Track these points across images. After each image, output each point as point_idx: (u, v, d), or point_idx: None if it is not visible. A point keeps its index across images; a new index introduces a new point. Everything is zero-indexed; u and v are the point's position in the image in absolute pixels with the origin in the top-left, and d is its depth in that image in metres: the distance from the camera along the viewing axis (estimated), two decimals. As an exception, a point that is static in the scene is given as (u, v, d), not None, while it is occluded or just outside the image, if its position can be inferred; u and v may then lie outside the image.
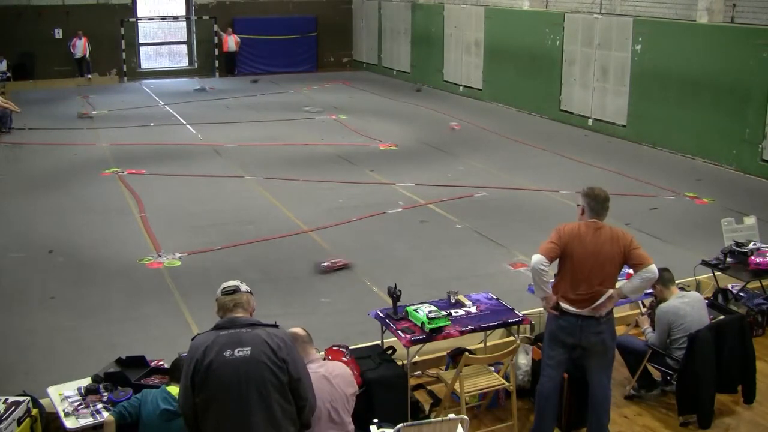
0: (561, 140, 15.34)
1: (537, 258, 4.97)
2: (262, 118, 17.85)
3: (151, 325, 7.32)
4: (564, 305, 5.07)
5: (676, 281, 7.26)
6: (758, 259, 7.04)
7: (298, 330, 4.53)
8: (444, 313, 5.66)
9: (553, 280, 5.19)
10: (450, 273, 8.43)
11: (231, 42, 24.83)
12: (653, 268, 4.96)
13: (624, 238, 5.02)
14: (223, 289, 3.92)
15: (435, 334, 5.55)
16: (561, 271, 5.12)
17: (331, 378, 4.47)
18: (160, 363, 5.46)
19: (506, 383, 5.52)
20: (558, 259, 5.07)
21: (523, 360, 5.99)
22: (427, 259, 9.00)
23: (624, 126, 15.53)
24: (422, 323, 5.55)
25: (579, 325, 5.04)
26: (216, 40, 25.17)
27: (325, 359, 5.54)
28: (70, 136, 15.70)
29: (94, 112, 18.52)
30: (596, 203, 5.08)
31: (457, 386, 5.31)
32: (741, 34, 13.08)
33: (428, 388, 6.12)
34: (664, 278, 5.91)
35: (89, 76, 23.39)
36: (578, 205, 5.18)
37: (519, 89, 18.75)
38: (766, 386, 6.10)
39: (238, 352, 3.66)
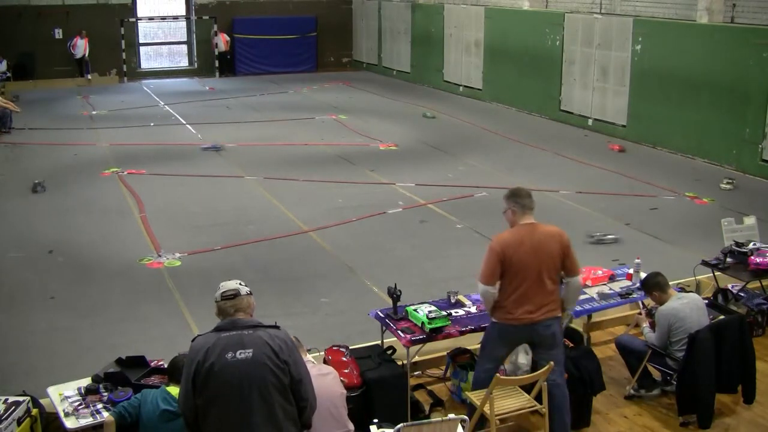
0: (561, 140, 15.34)
1: (484, 288, 5.06)
2: (262, 118, 17.86)
3: (151, 325, 7.32)
4: (511, 323, 5.08)
5: (677, 281, 7.31)
6: (758, 259, 7.03)
7: None
8: (444, 313, 5.67)
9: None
10: (450, 273, 8.42)
11: (220, 42, 24.77)
12: (578, 280, 5.20)
13: (562, 236, 5.09)
14: (223, 293, 3.89)
15: (435, 334, 5.56)
16: (505, 286, 5.06)
17: (324, 377, 4.51)
18: (160, 363, 5.45)
19: (538, 405, 5.22)
20: (501, 274, 5.06)
21: (523, 360, 5.97)
22: (427, 259, 9.00)
23: (624, 126, 15.53)
24: (422, 323, 5.55)
25: (529, 325, 5.08)
26: (215, 42, 25.13)
27: (325, 360, 5.58)
28: (70, 136, 15.70)
29: (94, 112, 18.54)
30: (522, 199, 5.11)
31: (486, 408, 5.06)
32: (741, 34, 13.07)
33: (428, 388, 6.12)
34: (660, 283, 5.91)
35: (89, 76, 23.39)
36: (505, 212, 5.18)
37: (519, 89, 18.75)
38: (766, 386, 6.10)
39: (239, 354, 3.66)
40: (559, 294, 5.19)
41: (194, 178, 12.51)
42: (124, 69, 24.40)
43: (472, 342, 6.22)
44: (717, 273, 7.30)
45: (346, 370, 5.35)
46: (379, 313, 5.90)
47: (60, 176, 12.59)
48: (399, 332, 5.56)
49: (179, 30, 26.05)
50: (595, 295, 6.40)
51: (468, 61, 20.76)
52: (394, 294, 5.74)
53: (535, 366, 5.35)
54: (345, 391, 4.80)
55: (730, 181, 12.03)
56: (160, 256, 9.03)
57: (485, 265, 5.07)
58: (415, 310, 5.67)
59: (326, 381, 4.52)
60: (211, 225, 10.23)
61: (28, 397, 5.05)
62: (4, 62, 22.15)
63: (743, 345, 5.78)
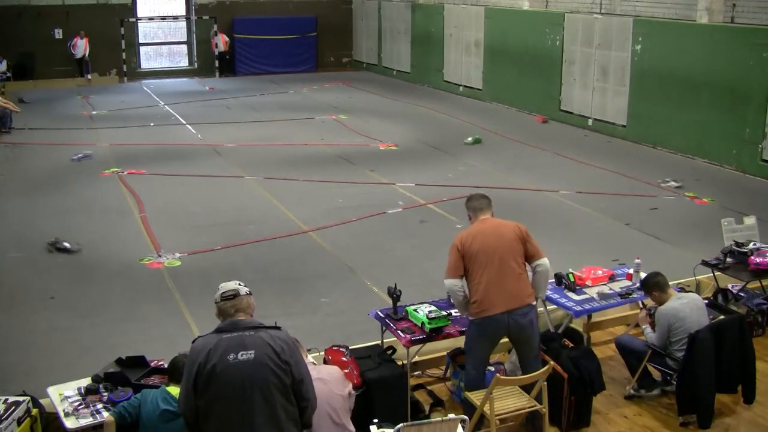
0: (561, 140, 15.34)
1: (449, 282, 5.22)
2: (262, 118, 17.86)
3: (151, 325, 7.32)
4: (488, 314, 5.14)
5: (677, 281, 7.31)
6: (758, 259, 7.03)
7: None
8: (444, 313, 5.67)
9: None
10: (450, 273, 8.42)
11: (220, 42, 24.77)
12: (546, 261, 5.29)
13: (519, 226, 5.34)
14: (223, 294, 3.90)
15: (435, 334, 5.56)
16: (473, 278, 5.19)
17: (325, 380, 4.50)
18: (160, 363, 5.45)
19: (538, 405, 5.23)
20: (467, 271, 5.21)
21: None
22: (427, 259, 8.99)
23: (624, 126, 15.53)
24: (422, 323, 5.55)
25: (506, 314, 5.15)
26: (214, 42, 25.11)
27: (325, 360, 5.57)
28: (70, 136, 15.70)
29: (94, 112, 18.54)
30: (473, 202, 5.47)
31: (486, 408, 5.06)
32: (741, 34, 13.07)
33: (428, 388, 6.12)
34: (660, 283, 5.91)
35: (89, 76, 23.39)
36: (468, 218, 5.52)
37: (519, 89, 18.74)
38: (766, 386, 6.10)
39: (241, 355, 3.66)
40: (530, 282, 5.30)
41: (194, 178, 12.51)
42: (124, 69, 24.41)
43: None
44: (717, 273, 7.30)
45: (346, 370, 5.34)
46: (379, 313, 5.90)
47: (60, 176, 12.60)
48: (399, 332, 5.56)
49: (179, 30, 26.05)
50: (595, 295, 6.40)
51: (468, 61, 20.76)
52: (394, 294, 5.75)
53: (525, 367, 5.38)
54: (351, 391, 4.76)
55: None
56: (160, 256, 9.03)
57: (448, 261, 5.28)
58: (415, 310, 5.68)
59: (326, 386, 4.50)
60: (211, 225, 10.23)
61: (28, 397, 5.04)
62: (4, 62, 22.15)
63: (743, 345, 5.78)
